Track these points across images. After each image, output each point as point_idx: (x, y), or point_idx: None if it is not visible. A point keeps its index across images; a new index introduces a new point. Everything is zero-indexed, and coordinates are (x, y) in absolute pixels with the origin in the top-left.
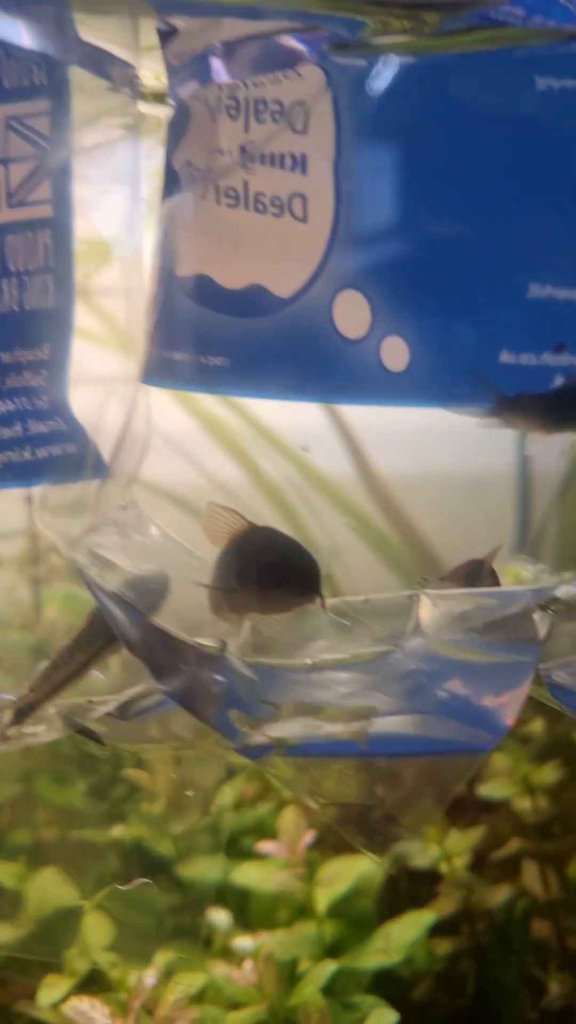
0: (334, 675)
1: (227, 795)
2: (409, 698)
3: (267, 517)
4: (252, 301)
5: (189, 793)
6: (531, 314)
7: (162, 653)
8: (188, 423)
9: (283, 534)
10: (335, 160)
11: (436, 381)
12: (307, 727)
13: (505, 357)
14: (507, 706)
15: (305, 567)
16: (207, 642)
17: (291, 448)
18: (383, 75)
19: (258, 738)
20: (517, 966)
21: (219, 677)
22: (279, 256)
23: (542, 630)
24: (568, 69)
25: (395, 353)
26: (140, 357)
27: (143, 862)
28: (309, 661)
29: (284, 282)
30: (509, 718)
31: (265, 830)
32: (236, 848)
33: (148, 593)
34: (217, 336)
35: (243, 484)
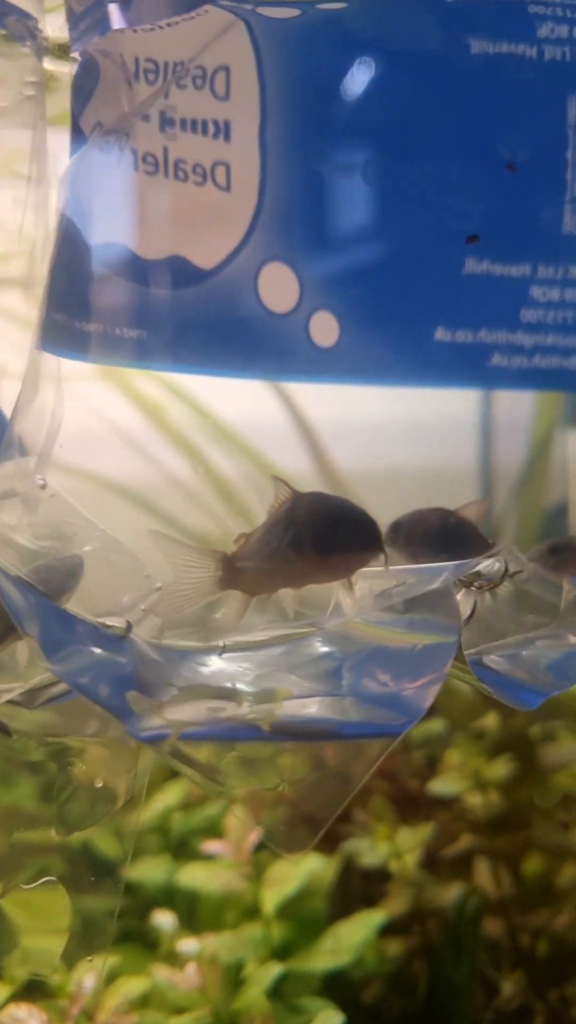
0: (247, 657)
1: (173, 795)
2: (323, 680)
3: (221, 513)
4: (172, 272)
5: (99, 784)
6: (467, 290)
7: (60, 633)
8: (139, 419)
9: (334, 497)
10: (260, 127)
11: (367, 357)
12: (209, 710)
13: (440, 335)
14: (424, 688)
15: (363, 525)
16: (112, 622)
17: (246, 443)
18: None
19: (155, 720)
20: (468, 965)
21: (121, 659)
22: (201, 226)
23: (465, 608)
24: (502, 32)
25: (324, 328)
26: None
27: (90, 864)
28: (222, 643)
29: (206, 253)
30: (426, 701)
31: (216, 831)
32: (186, 850)
33: (57, 576)
34: (134, 308)
35: (196, 480)
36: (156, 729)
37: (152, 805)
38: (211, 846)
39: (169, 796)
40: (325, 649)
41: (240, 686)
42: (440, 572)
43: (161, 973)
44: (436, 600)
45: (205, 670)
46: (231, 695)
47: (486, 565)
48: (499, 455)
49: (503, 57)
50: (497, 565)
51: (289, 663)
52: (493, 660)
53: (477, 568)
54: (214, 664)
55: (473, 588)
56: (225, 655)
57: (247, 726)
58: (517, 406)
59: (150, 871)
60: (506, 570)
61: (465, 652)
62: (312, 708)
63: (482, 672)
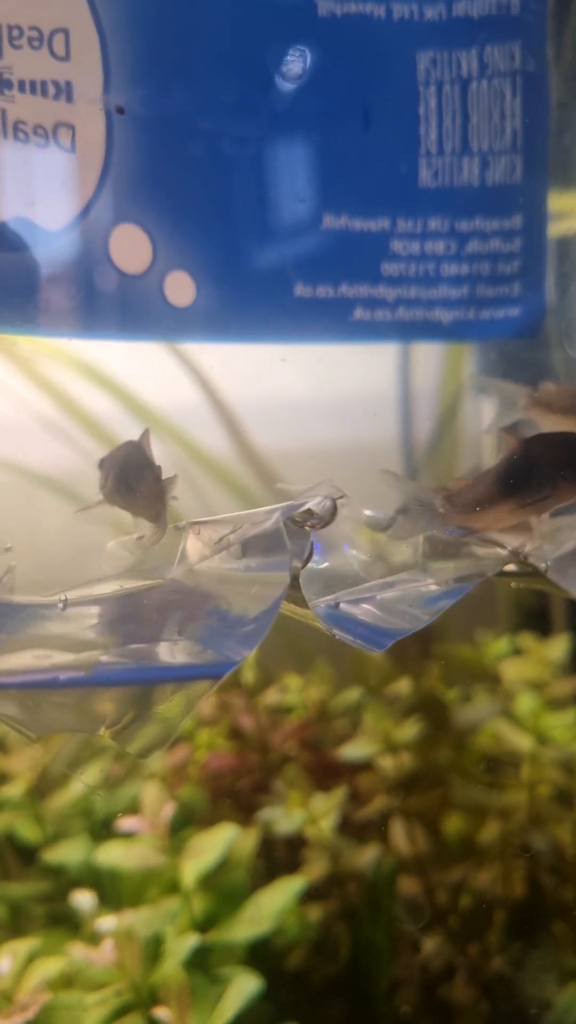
0: (87, 609)
1: (92, 774)
2: (160, 627)
3: None
4: (14, 234)
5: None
6: (326, 245)
7: None
8: (63, 406)
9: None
10: (104, 87)
11: (226, 316)
12: (35, 658)
13: (300, 290)
14: (259, 627)
15: None
16: None
17: (170, 426)
18: None
19: None
20: (385, 925)
21: None
22: (45, 188)
23: (302, 549)
24: None
25: (180, 288)
26: None
27: (15, 850)
28: (63, 596)
29: (51, 215)
30: (259, 638)
31: (138, 809)
32: (110, 830)
33: None
34: None
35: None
36: None
37: (73, 787)
38: (127, 823)
39: (88, 776)
40: (168, 599)
41: (72, 636)
42: (271, 513)
43: (78, 951)
44: (269, 543)
45: (41, 622)
46: (61, 644)
47: (317, 503)
48: (417, 427)
49: (351, 17)
50: (327, 503)
51: (130, 613)
52: (350, 605)
53: (308, 507)
54: (54, 616)
55: (306, 527)
56: (69, 608)
57: (68, 673)
58: (429, 376)
59: (69, 853)
60: (334, 508)
61: (322, 599)
62: (139, 653)
63: (337, 618)
